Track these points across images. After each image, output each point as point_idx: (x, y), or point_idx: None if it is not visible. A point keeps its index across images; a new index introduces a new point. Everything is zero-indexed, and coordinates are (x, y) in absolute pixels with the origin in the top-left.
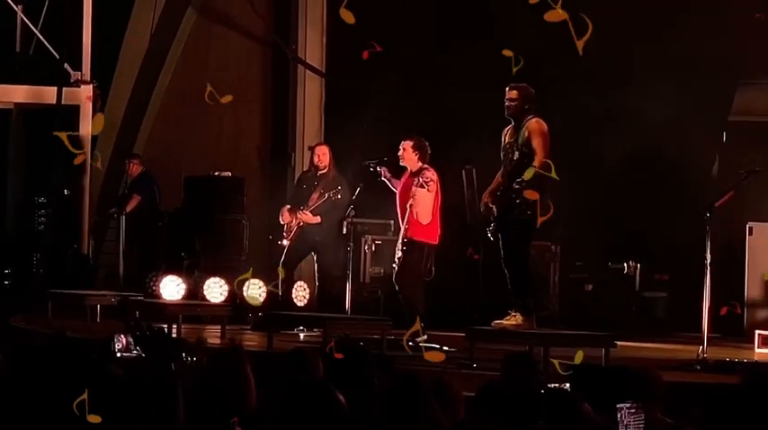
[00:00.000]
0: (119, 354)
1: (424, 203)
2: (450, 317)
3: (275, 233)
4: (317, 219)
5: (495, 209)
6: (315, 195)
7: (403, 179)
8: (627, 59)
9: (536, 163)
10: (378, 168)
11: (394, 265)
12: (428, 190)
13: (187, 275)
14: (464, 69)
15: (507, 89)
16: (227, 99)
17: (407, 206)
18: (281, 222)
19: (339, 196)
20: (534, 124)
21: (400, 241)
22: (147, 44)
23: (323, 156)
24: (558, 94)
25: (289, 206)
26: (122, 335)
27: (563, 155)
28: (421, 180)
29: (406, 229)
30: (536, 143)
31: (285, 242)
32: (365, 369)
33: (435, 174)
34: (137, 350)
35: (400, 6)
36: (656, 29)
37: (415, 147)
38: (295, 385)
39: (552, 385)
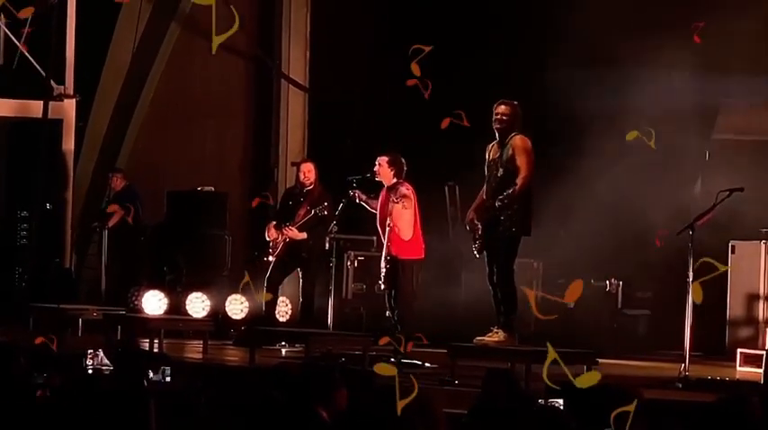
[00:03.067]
0: (91, 370)
1: (403, 219)
2: (431, 333)
3: (259, 249)
4: (304, 236)
5: (479, 225)
6: (301, 211)
7: (381, 196)
8: (610, 77)
9: (519, 180)
10: (351, 192)
11: (380, 282)
12: (404, 206)
13: (169, 290)
14: (448, 86)
15: (497, 105)
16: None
17: (387, 225)
18: (267, 238)
19: (326, 212)
20: (519, 141)
21: (383, 259)
22: (131, 58)
23: (308, 172)
24: (543, 113)
25: (274, 222)
26: (96, 351)
27: (546, 172)
28: (396, 196)
29: (389, 247)
30: (521, 160)
31: (271, 258)
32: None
33: (411, 188)
34: (110, 365)
35: (384, 23)
36: (641, 45)
37: (390, 163)
38: (276, 402)
39: (542, 401)
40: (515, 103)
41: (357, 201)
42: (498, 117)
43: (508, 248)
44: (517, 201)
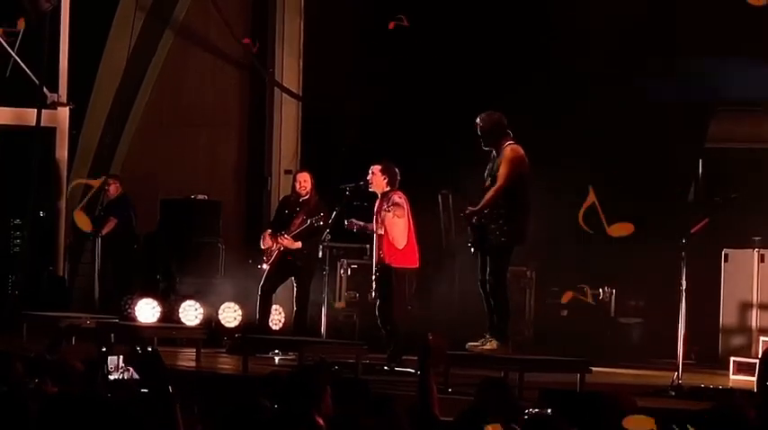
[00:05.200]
0: (112, 376)
1: (396, 227)
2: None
3: (253, 257)
4: (298, 245)
5: (475, 221)
6: (297, 221)
7: (376, 205)
8: (605, 86)
9: (491, 191)
10: (346, 222)
11: (372, 292)
12: (395, 215)
13: (162, 298)
14: (441, 93)
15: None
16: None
17: (379, 232)
18: (262, 247)
19: (321, 223)
20: (508, 151)
21: (374, 264)
22: (124, 66)
23: (304, 182)
24: (536, 120)
25: (270, 231)
26: (116, 357)
27: (539, 180)
28: (388, 205)
29: (381, 256)
30: (502, 170)
31: (265, 266)
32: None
33: (403, 197)
34: (131, 371)
35: (378, 29)
36: (634, 52)
37: (383, 171)
38: (274, 411)
39: (533, 410)
40: (490, 112)
41: (354, 230)
42: (478, 131)
43: (498, 258)
44: (501, 213)
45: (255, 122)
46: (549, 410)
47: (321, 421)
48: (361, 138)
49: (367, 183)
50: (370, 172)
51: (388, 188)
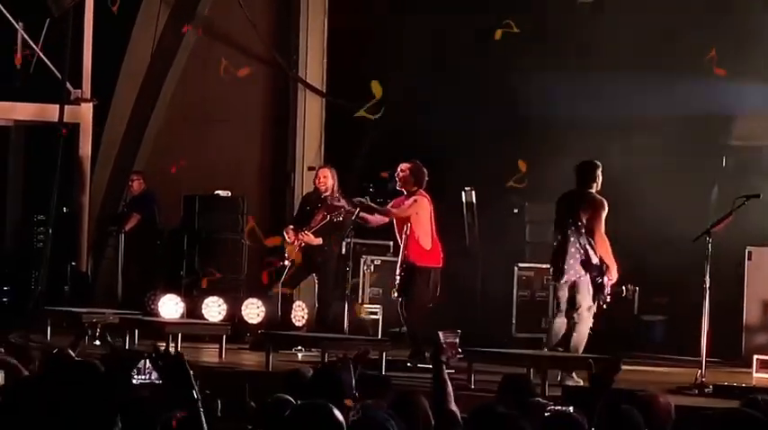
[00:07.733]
0: (137, 382)
1: (422, 227)
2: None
3: (275, 253)
4: (319, 241)
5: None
6: (317, 217)
7: (397, 200)
8: (627, 81)
9: None
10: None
11: (394, 291)
12: (412, 201)
13: (186, 294)
14: (464, 90)
15: None
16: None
17: (404, 232)
18: (288, 240)
19: (341, 218)
20: None
21: (399, 264)
22: (148, 63)
23: (324, 178)
24: (555, 118)
25: (292, 226)
26: (144, 362)
27: (561, 178)
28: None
29: (406, 254)
30: None
31: (286, 262)
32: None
33: (427, 198)
34: (157, 377)
35: (401, 29)
36: (658, 51)
37: (412, 171)
38: (293, 404)
39: (554, 408)
40: None
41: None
42: None
43: None
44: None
45: (279, 118)
46: (571, 408)
47: (341, 417)
48: (385, 135)
49: (394, 180)
50: (398, 169)
51: (415, 188)
